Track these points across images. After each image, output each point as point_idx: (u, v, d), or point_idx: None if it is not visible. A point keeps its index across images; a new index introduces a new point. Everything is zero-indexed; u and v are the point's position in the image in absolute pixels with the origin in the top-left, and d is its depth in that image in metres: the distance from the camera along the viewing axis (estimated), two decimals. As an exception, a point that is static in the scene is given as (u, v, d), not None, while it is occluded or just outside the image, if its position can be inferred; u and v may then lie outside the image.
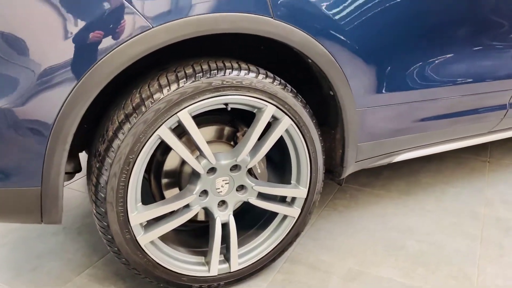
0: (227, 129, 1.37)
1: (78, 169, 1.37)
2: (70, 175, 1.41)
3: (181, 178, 1.34)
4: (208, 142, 1.33)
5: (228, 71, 1.17)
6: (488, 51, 1.55)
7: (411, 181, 2.07)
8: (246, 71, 1.19)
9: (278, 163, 1.46)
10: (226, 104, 1.22)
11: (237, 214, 1.43)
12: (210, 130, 1.35)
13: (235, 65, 1.19)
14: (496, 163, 2.21)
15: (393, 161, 1.63)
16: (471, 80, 1.54)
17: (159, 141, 1.15)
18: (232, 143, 1.37)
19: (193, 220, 1.36)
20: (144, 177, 1.20)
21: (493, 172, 2.13)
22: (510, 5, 1.51)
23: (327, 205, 1.89)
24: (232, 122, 1.38)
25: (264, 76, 1.22)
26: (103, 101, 1.21)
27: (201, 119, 1.31)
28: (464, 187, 1.99)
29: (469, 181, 2.04)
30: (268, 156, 1.48)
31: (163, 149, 1.32)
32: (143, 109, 1.10)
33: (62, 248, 1.64)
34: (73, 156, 1.36)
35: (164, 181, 1.35)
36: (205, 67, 1.16)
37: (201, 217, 1.42)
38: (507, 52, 1.58)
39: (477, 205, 1.84)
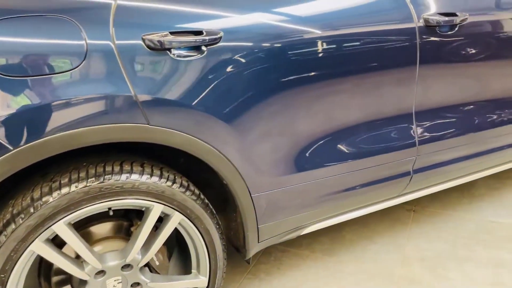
0: (122, 224, 1.35)
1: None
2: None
3: (72, 276, 1.31)
4: (102, 239, 1.32)
5: (107, 176, 1.15)
6: (384, 124, 1.59)
7: (335, 237, 2.09)
8: (128, 174, 1.18)
9: (183, 250, 1.45)
10: (109, 208, 1.20)
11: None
12: (103, 227, 1.33)
13: (116, 169, 1.18)
14: (421, 212, 2.26)
15: (303, 233, 1.64)
16: (368, 154, 1.57)
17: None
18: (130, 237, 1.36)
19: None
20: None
21: (416, 223, 2.17)
22: (404, 78, 1.56)
23: (250, 271, 1.88)
24: (127, 216, 1.37)
25: (149, 176, 1.21)
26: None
27: (93, 216, 1.29)
28: (386, 243, 2.02)
29: (391, 235, 2.07)
30: (177, 240, 1.48)
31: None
32: (13, 226, 1.07)
33: None
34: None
35: (55, 279, 1.31)
36: (82, 174, 1.14)
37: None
38: (404, 123, 1.63)
39: (394, 264, 1.87)
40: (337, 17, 1.41)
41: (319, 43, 1.36)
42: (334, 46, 1.39)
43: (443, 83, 1.65)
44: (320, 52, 1.37)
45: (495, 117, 1.85)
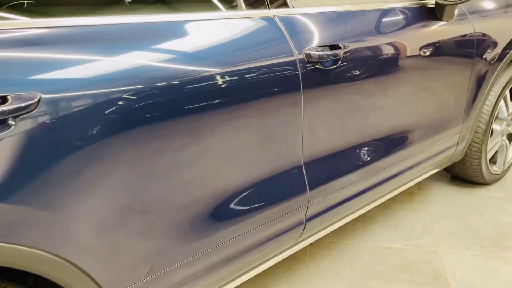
0: None
1: None
2: None
3: None
4: None
5: None
6: (271, 176, 1.38)
7: (229, 291, 1.85)
8: None
9: None
10: None
11: None
12: None
13: None
14: (317, 245, 2.13)
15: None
16: (256, 213, 1.35)
17: None
18: None
19: None
20: None
21: (313, 259, 2.03)
22: (289, 122, 1.36)
23: None
24: None
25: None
26: None
27: None
28: (283, 291, 1.85)
29: (289, 280, 1.90)
30: None
31: None
32: None
33: None
34: None
35: None
36: None
37: None
38: (292, 170, 1.44)
39: (294, 317, 1.70)
40: (205, 57, 1.14)
41: (182, 93, 1.08)
42: (206, 94, 1.12)
43: (331, 121, 1.49)
44: (189, 103, 1.09)
45: (384, 149, 1.76)
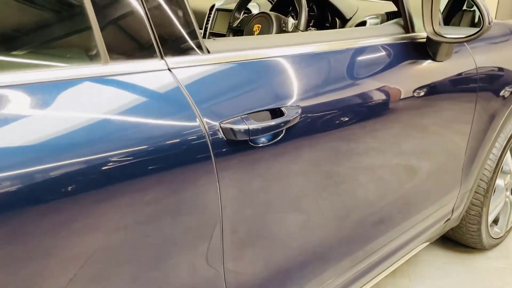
0: None
1: None
2: None
3: None
4: None
5: None
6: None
7: None
8: None
9: None
10: None
11: None
12: None
13: None
14: None
15: None
16: None
17: None
18: None
19: None
20: None
21: None
22: (202, 228, 0.86)
23: None
24: None
25: None
26: None
27: None
28: None
29: None
30: None
31: None
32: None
33: None
34: None
35: None
36: None
37: None
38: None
39: None
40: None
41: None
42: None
43: (267, 220, 1.00)
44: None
45: (351, 241, 1.27)
